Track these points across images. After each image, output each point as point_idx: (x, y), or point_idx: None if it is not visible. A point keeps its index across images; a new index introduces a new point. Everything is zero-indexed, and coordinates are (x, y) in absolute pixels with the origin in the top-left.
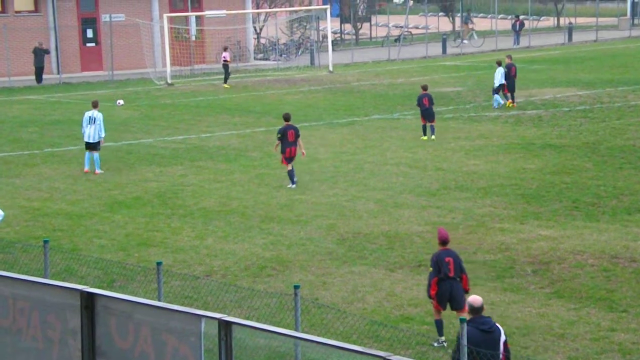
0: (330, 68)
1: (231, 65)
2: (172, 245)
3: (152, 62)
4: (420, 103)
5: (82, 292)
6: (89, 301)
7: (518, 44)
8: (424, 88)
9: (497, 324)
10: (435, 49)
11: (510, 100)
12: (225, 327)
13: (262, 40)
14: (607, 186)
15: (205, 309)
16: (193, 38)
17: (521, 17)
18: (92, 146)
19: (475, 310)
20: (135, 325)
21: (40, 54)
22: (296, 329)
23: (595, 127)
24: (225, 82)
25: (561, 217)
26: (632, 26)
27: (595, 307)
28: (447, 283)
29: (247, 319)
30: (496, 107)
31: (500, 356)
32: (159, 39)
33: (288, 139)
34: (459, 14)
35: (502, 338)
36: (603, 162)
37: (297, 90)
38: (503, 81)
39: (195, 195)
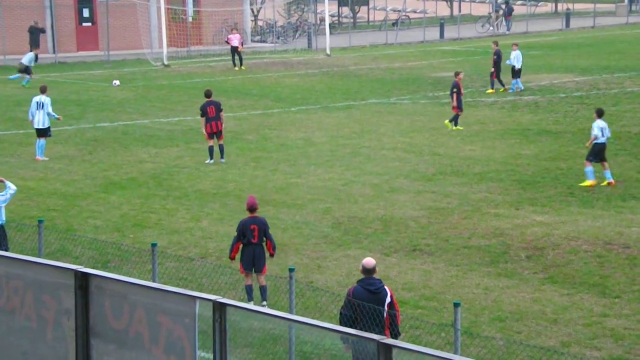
0: (328, 51)
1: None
2: (167, 226)
3: (149, 43)
4: (458, 90)
5: (76, 272)
6: (83, 281)
7: (509, 29)
8: (456, 74)
9: (386, 287)
10: (433, 33)
11: (493, 89)
12: (219, 309)
13: (260, 23)
14: (602, 172)
15: (200, 291)
16: (190, 19)
17: (512, 2)
18: (41, 132)
19: (367, 271)
20: (130, 306)
21: (36, 32)
22: (290, 312)
23: (591, 114)
24: (241, 64)
25: (556, 203)
26: (630, 13)
27: (588, 293)
28: (250, 248)
29: (242, 301)
30: (521, 89)
31: (385, 315)
32: (155, 20)
33: (208, 115)
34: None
35: (387, 300)
36: None
37: (294, 73)
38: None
39: (190, 177)
